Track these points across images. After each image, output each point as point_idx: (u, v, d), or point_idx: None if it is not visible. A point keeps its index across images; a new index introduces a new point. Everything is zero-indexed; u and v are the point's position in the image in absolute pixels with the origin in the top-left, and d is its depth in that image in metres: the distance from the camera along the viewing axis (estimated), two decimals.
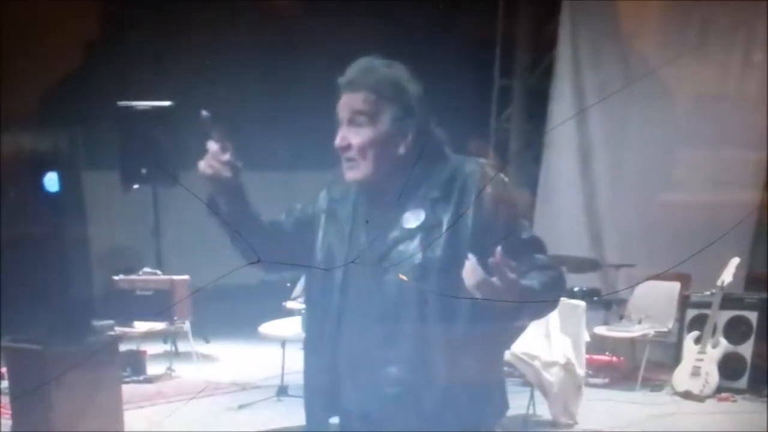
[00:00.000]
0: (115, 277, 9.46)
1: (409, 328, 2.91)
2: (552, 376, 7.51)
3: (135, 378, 8.86)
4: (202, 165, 2.91)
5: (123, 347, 9.05)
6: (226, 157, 2.88)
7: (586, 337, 7.82)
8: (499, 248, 2.67)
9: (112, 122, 11.07)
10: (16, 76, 11.85)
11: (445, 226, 2.92)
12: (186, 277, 9.33)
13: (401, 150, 2.96)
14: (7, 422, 6.89)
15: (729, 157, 10.00)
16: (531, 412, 7.67)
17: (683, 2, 10.52)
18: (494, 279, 2.67)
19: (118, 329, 8.77)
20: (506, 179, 3.02)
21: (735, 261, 8.66)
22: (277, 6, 12.78)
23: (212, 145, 2.88)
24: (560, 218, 11.01)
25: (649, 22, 10.99)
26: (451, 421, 2.94)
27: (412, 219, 2.95)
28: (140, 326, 9.16)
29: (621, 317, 9.48)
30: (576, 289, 9.30)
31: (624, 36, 11.23)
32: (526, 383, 7.65)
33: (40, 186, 11.87)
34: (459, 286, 2.77)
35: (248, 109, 10.95)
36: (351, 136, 2.97)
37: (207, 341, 10.20)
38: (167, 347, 9.81)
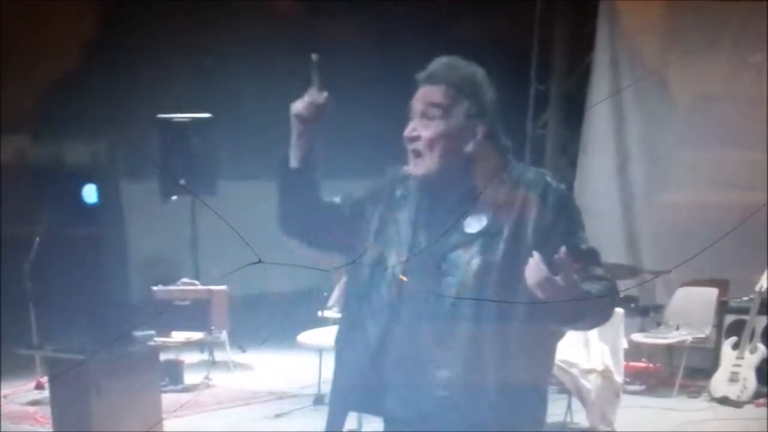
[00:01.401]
0: (154, 288, 9.53)
1: (462, 331, 2.91)
2: (590, 383, 7.49)
3: (173, 387, 8.91)
4: (299, 105, 3.07)
5: (161, 357, 9.13)
6: (322, 100, 3.05)
7: (624, 344, 7.81)
8: (563, 248, 2.71)
9: (152, 133, 11.16)
10: (54, 86, 11.99)
11: (506, 234, 2.94)
12: (223, 287, 9.39)
13: (469, 147, 2.98)
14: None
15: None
16: (568, 419, 7.67)
17: (720, 2, 10.48)
18: (558, 278, 2.70)
19: (157, 339, 8.82)
20: (566, 191, 3.05)
21: None
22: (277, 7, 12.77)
23: (313, 89, 3.05)
24: (596, 224, 10.92)
25: (686, 24, 10.90)
26: (494, 425, 2.94)
27: (474, 224, 2.97)
28: (178, 336, 9.22)
29: (658, 324, 9.45)
30: None
31: (662, 37, 11.21)
32: (564, 390, 7.63)
33: (79, 197, 11.97)
34: (515, 294, 2.84)
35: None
36: (421, 128, 3.00)
37: (243, 350, 10.24)
38: (204, 356, 9.87)
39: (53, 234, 9.80)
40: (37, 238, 8.85)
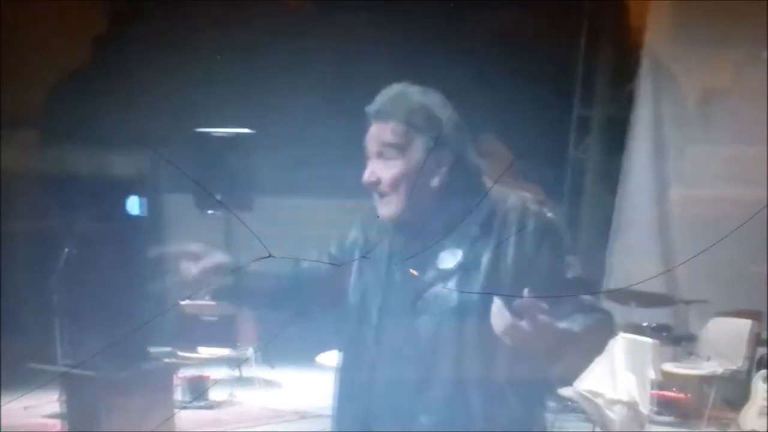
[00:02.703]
0: (182, 302, 9.49)
1: (443, 375, 2.78)
2: (615, 414, 7.36)
3: (196, 404, 8.87)
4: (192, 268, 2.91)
5: (186, 372, 9.10)
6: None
7: (652, 375, 7.66)
8: (526, 290, 2.57)
9: (190, 147, 11.17)
10: (101, 99, 12.05)
11: (483, 266, 2.78)
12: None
13: (434, 183, 2.82)
14: None
15: None
16: None
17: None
18: (523, 323, 2.55)
19: (182, 354, 8.81)
20: (549, 214, 2.87)
21: None
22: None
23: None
24: (633, 252, 10.83)
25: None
26: None
27: (449, 258, 2.81)
28: (204, 351, 9.19)
29: (690, 354, 9.26)
30: (645, 324, 9.12)
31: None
32: (589, 419, 7.52)
33: (121, 208, 12.00)
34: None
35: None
36: (380, 170, 2.84)
37: (272, 367, 10.18)
38: (232, 372, 9.82)
39: (86, 245, 9.82)
40: (66, 249, 8.77)
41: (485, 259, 2.78)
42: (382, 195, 2.85)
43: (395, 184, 2.82)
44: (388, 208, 2.85)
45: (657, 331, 9.11)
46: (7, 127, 11.19)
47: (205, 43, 11.91)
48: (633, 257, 10.71)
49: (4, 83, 10.54)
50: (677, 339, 9.32)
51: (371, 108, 2.87)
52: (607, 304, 9.40)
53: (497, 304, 2.58)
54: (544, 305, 2.58)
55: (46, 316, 8.76)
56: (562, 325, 2.66)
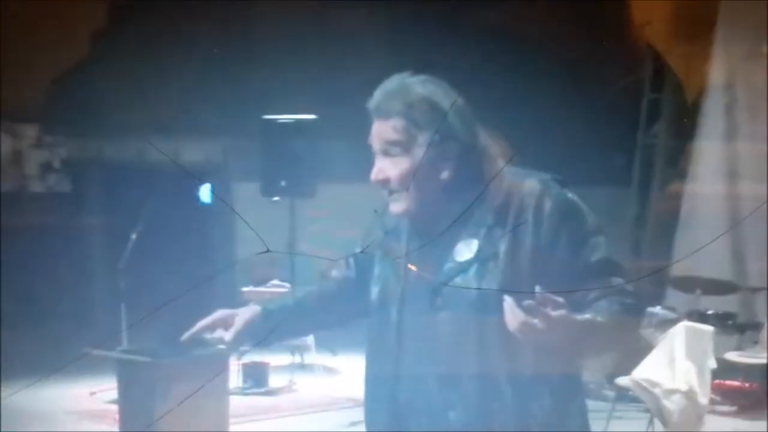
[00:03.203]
0: (243, 289, 9.56)
1: (466, 370, 2.72)
2: (672, 404, 7.23)
3: (256, 390, 8.93)
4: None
5: (246, 359, 9.17)
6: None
7: (713, 364, 7.53)
8: (537, 287, 2.50)
9: (257, 135, 11.23)
10: (159, 87, 12.18)
11: (502, 255, 2.70)
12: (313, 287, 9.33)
13: (444, 175, 2.74)
14: None
15: None
16: None
17: None
18: (536, 320, 2.48)
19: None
20: (569, 195, 2.76)
21: None
22: None
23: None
24: (703, 238, 10.67)
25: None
26: None
27: (465, 250, 2.73)
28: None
29: (755, 342, 9.11)
30: (710, 312, 8.99)
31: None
32: (647, 409, 7.42)
33: (195, 196, 12.13)
34: None
35: None
36: (387, 168, 2.78)
37: (334, 354, 10.21)
38: (294, 359, 9.87)
39: (154, 232, 9.92)
40: (133, 236, 8.84)
41: (503, 247, 2.70)
42: (391, 192, 2.80)
43: (403, 181, 2.75)
44: (398, 205, 2.80)
45: (721, 319, 8.95)
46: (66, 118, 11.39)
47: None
48: (701, 242, 10.54)
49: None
50: (742, 327, 9.16)
51: (371, 104, 2.80)
52: (671, 293, 9.40)
53: (508, 302, 2.51)
54: (559, 299, 2.50)
55: (112, 302, 8.92)
56: (584, 315, 2.59)
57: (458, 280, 2.72)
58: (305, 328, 3.11)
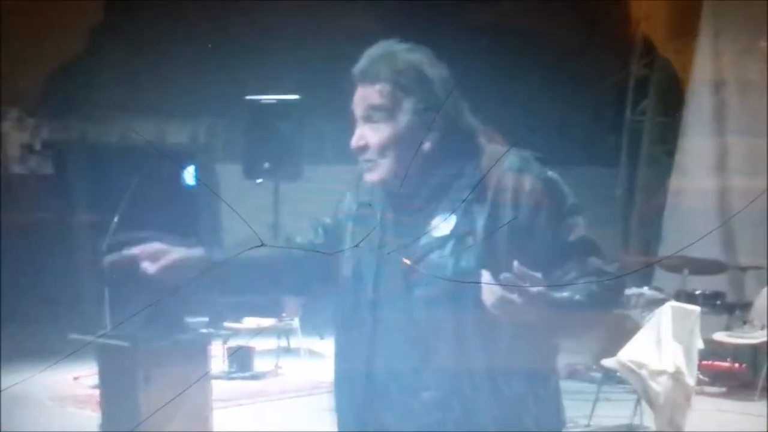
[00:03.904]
0: None
1: (442, 350, 2.63)
2: (659, 385, 7.15)
3: (241, 374, 8.85)
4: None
5: (232, 342, 9.09)
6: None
7: (700, 345, 7.47)
8: (516, 262, 2.42)
9: (240, 116, 11.12)
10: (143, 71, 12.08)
11: (479, 232, 2.62)
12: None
13: (426, 146, 2.66)
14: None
15: None
16: (637, 421, 7.38)
17: None
18: (514, 296, 2.42)
19: (228, 324, 8.80)
20: (550, 172, 2.69)
21: None
22: None
23: None
24: (691, 217, 10.62)
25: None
26: None
27: (442, 226, 2.65)
28: (249, 322, 9.15)
29: (744, 322, 9.06)
30: (698, 292, 8.94)
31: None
32: (633, 390, 7.36)
33: (179, 178, 12.04)
34: None
35: None
36: (368, 135, 2.68)
37: (321, 338, 10.13)
38: (279, 343, 9.78)
39: (138, 215, 9.81)
40: (116, 218, 8.71)
41: (480, 224, 2.63)
42: (369, 160, 2.71)
43: (383, 149, 2.68)
44: (374, 174, 2.71)
45: (710, 299, 8.94)
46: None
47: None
48: (690, 222, 10.50)
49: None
50: (731, 307, 9.14)
51: (356, 69, 2.72)
52: (659, 273, 9.33)
53: (485, 276, 2.45)
54: (537, 274, 2.43)
55: (96, 285, 8.81)
56: (562, 294, 2.53)
57: (434, 256, 2.65)
58: (263, 287, 2.97)
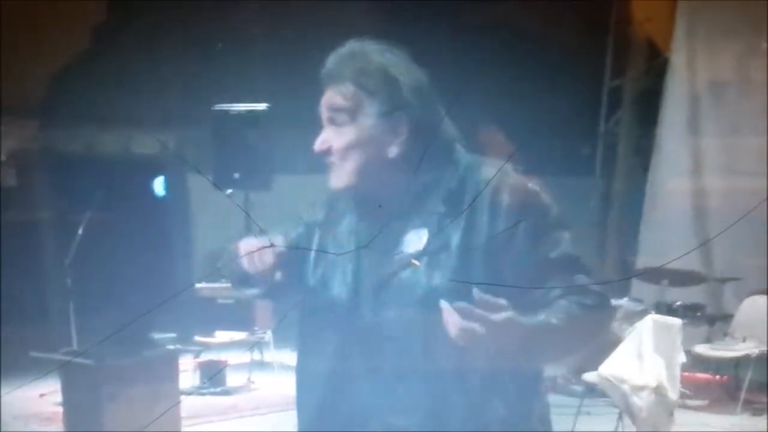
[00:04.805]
0: (198, 285, 9.25)
1: (414, 373, 2.46)
2: (641, 400, 7.00)
3: (212, 390, 8.64)
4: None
5: (203, 357, 8.88)
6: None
7: (682, 358, 7.32)
8: (475, 289, 2.25)
9: (208, 125, 10.94)
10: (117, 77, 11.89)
11: (454, 248, 2.45)
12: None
13: (392, 152, 2.50)
14: None
15: None
16: None
17: None
18: (476, 325, 2.24)
19: (199, 338, 8.60)
20: (530, 184, 2.52)
21: None
22: None
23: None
24: (667, 229, 10.51)
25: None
26: None
27: (414, 240, 2.49)
28: (221, 336, 8.95)
29: (725, 334, 8.93)
30: (677, 303, 8.79)
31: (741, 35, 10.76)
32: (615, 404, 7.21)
33: (148, 189, 11.82)
34: None
35: None
36: (332, 138, 2.54)
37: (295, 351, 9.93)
38: (252, 356, 9.57)
39: (103, 227, 9.58)
40: (80, 231, 8.46)
41: (455, 239, 2.46)
42: (332, 164, 2.55)
43: (345, 153, 2.52)
44: (338, 178, 2.55)
45: (690, 311, 8.79)
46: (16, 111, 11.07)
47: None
48: (666, 233, 10.39)
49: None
50: (711, 319, 9.02)
51: (324, 70, 2.58)
52: (637, 284, 9.20)
53: (445, 307, 2.27)
54: (501, 301, 2.26)
55: (59, 301, 8.58)
56: (535, 317, 2.35)
57: (406, 273, 2.48)
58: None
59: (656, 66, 11.52)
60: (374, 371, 2.51)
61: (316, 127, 2.62)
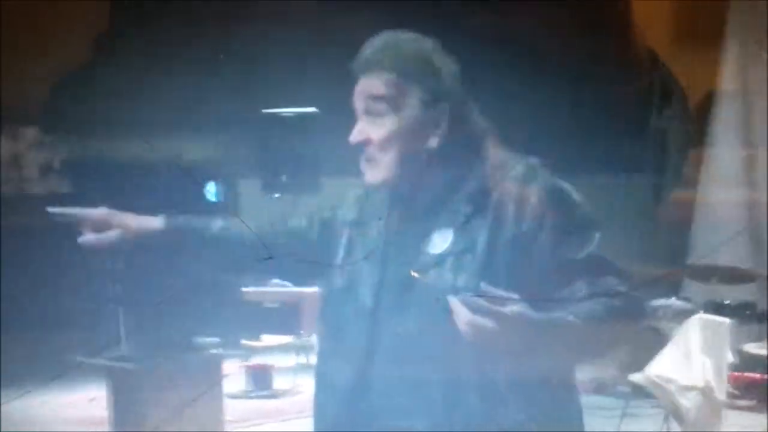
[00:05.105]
0: (244, 289, 9.26)
1: (437, 375, 2.43)
2: (688, 401, 6.92)
3: (259, 393, 8.67)
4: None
5: (251, 361, 8.92)
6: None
7: (730, 358, 7.23)
8: (482, 283, 2.24)
9: (257, 129, 11.00)
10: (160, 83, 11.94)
11: (480, 248, 2.41)
12: (315, 289, 9.05)
13: (432, 143, 2.46)
14: None
15: None
16: None
17: None
18: (486, 320, 2.20)
19: (245, 342, 8.63)
20: (560, 182, 2.48)
21: None
22: None
23: None
24: (720, 225, 10.39)
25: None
26: None
27: (439, 241, 2.45)
28: (267, 340, 8.98)
29: None
30: (727, 302, 8.68)
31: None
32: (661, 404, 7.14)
33: (201, 195, 11.86)
34: None
35: None
36: (369, 129, 2.49)
37: None
38: (298, 360, 9.60)
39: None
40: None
41: (481, 239, 2.42)
42: (370, 158, 2.50)
43: (385, 145, 2.47)
44: (376, 172, 2.50)
45: (739, 310, 8.66)
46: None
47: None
48: (718, 230, 10.29)
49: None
50: (761, 317, 8.87)
51: (358, 60, 2.52)
52: (687, 282, 9.11)
53: (453, 302, 2.24)
54: (514, 295, 2.23)
55: (109, 307, 8.63)
56: (551, 314, 2.31)
57: (432, 273, 2.45)
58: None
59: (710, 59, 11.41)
60: (396, 374, 2.49)
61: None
